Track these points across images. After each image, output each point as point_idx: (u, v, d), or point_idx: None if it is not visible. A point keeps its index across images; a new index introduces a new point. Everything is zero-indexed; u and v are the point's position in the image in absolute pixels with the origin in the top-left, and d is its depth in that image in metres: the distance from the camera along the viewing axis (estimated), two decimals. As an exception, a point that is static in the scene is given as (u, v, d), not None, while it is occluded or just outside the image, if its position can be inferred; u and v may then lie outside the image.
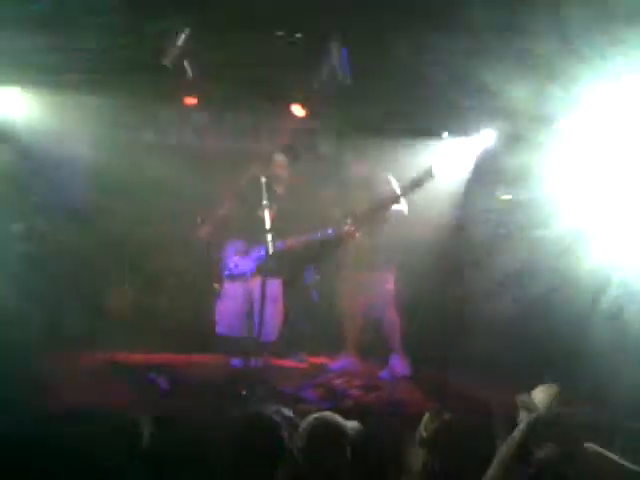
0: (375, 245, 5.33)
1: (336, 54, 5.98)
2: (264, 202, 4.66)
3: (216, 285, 6.38)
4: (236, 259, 4.86)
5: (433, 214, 6.21)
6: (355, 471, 2.79)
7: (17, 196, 5.56)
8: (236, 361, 4.92)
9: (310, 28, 6.01)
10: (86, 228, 6.48)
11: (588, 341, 4.87)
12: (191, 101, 6.70)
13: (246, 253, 4.83)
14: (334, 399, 4.36)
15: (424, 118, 7.23)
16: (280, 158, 4.87)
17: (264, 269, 4.54)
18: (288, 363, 5.71)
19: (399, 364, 5.26)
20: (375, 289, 5.35)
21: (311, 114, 7.01)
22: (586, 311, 5.01)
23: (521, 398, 3.19)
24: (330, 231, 4.82)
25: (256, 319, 4.57)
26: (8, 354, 4.89)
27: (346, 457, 2.70)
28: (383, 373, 5.23)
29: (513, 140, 6.54)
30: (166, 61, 5.77)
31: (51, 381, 4.53)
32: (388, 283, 5.39)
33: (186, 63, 5.82)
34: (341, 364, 5.47)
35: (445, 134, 7.74)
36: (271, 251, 4.36)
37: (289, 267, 5.00)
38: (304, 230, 4.83)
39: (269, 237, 4.43)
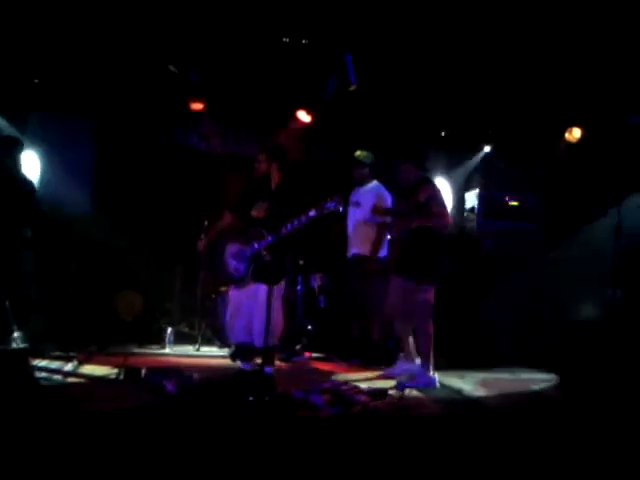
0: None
1: (342, 61, 6.02)
2: (256, 201, 4.81)
3: (223, 288, 6.41)
4: (234, 263, 4.83)
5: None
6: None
7: (30, 201, 5.55)
8: (245, 365, 4.88)
9: (317, 35, 6.07)
10: (98, 230, 6.52)
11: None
12: (197, 106, 6.74)
13: (243, 256, 4.80)
14: (342, 404, 4.33)
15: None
16: (262, 156, 4.88)
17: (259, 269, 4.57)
18: (295, 368, 5.69)
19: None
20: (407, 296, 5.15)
21: (316, 120, 7.08)
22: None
23: None
24: (331, 206, 4.43)
25: (259, 324, 4.53)
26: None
27: None
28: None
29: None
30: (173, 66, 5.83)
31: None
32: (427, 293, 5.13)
33: (193, 69, 5.85)
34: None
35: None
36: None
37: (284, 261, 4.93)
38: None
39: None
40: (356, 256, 6.06)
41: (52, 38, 5.84)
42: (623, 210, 5.80)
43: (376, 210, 5.82)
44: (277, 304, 4.75)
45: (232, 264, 4.80)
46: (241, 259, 4.75)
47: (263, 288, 4.38)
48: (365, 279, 5.98)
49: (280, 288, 4.84)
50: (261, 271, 4.46)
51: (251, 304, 4.71)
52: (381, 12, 5.60)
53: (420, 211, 5.00)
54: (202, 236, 5.46)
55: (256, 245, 4.64)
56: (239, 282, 4.76)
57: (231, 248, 4.85)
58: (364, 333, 6.13)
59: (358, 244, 6.06)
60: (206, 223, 6.30)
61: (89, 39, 5.91)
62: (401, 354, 5.47)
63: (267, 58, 6.32)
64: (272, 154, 4.90)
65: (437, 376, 5.15)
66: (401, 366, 5.34)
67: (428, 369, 5.13)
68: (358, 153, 6.15)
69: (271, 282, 4.60)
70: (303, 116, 6.99)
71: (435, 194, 5.09)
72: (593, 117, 6.94)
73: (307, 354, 6.20)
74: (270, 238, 4.56)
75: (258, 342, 4.57)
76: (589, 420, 4.32)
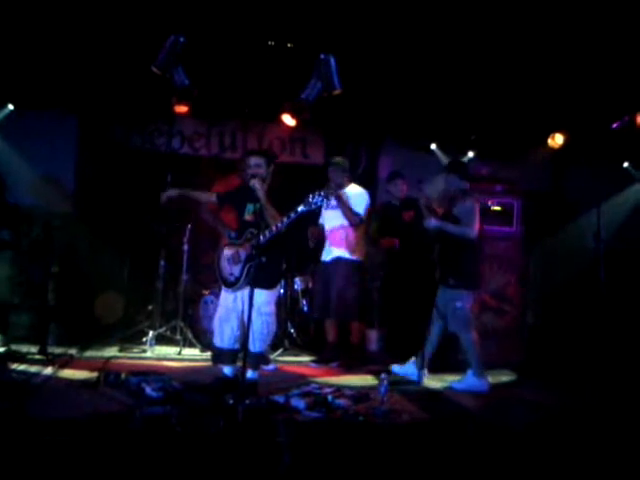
0: None
1: (326, 65, 6.02)
2: (248, 205, 4.75)
3: (205, 292, 6.39)
4: (229, 267, 4.78)
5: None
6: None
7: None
8: (227, 369, 4.86)
9: (302, 38, 6.07)
10: (80, 231, 6.48)
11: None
12: (181, 109, 6.70)
13: (238, 259, 4.75)
14: (323, 408, 4.32)
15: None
16: (254, 159, 4.82)
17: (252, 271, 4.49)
18: (277, 372, 5.66)
19: None
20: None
21: (301, 123, 7.08)
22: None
23: None
24: (318, 200, 4.38)
25: (255, 330, 4.48)
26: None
27: None
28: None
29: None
30: (156, 68, 5.80)
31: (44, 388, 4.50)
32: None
33: (178, 71, 5.82)
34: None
35: (433, 145, 7.89)
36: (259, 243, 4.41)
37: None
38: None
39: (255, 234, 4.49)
40: (338, 259, 6.08)
41: (32, 33, 5.78)
42: (603, 212, 5.85)
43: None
44: (272, 309, 4.74)
45: (227, 268, 4.76)
46: (236, 262, 4.72)
47: (258, 293, 4.32)
48: (347, 282, 6.00)
49: (275, 292, 4.84)
50: (257, 275, 4.33)
51: (243, 309, 4.66)
52: (367, 18, 5.61)
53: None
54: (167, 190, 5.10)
55: (248, 247, 4.62)
56: (234, 285, 4.72)
57: (226, 252, 4.81)
58: (344, 336, 6.14)
59: (338, 247, 6.09)
60: (189, 226, 6.33)
61: (71, 37, 5.86)
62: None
63: (252, 61, 6.31)
64: (270, 159, 4.87)
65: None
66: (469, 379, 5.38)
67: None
68: (338, 159, 6.22)
69: (268, 286, 4.63)
70: (288, 120, 6.98)
71: (468, 208, 5.30)
72: (576, 122, 7.01)
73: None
74: (262, 238, 4.52)
75: (253, 347, 4.52)
76: (572, 424, 4.34)
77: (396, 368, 5.52)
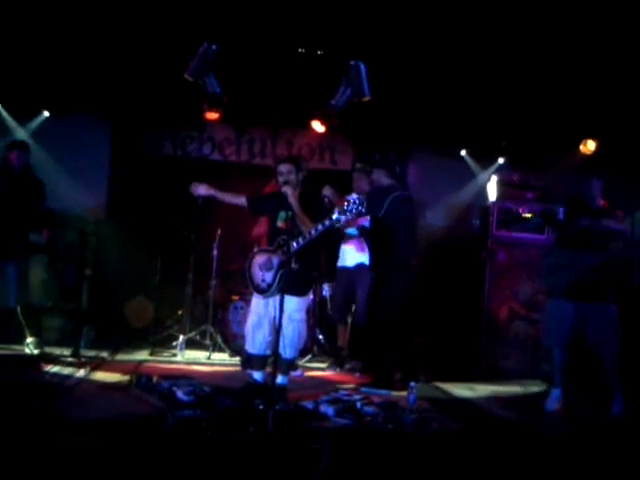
0: None
1: (357, 72, 6.04)
2: (281, 212, 4.76)
3: (235, 297, 6.43)
4: (261, 274, 4.79)
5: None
6: None
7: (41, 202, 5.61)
8: (257, 374, 4.88)
9: (331, 45, 6.10)
10: (112, 236, 6.57)
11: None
12: (212, 116, 6.77)
13: (270, 267, 4.76)
14: (352, 415, 4.32)
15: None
16: (285, 166, 4.81)
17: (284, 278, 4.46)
18: (306, 378, 5.66)
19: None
20: None
21: (330, 130, 7.10)
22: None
23: None
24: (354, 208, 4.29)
25: (287, 336, 4.48)
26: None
27: None
28: None
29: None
30: (189, 76, 5.88)
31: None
32: None
33: (210, 78, 5.89)
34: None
35: (463, 152, 7.86)
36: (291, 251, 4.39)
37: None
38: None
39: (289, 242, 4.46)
40: (360, 265, 6.10)
41: (67, 41, 5.90)
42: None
43: None
44: (303, 315, 4.75)
45: (258, 274, 4.75)
46: (268, 269, 4.72)
47: (289, 299, 4.32)
48: (368, 288, 5.99)
49: (306, 299, 4.84)
50: (289, 281, 4.32)
51: (274, 315, 4.66)
52: (395, 26, 5.63)
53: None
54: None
55: (281, 254, 4.62)
56: (266, 292, 4.72)
57: (258, 259, 4.81)
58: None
59: (362, 253, 6.10)
60: (219, 232, 6.37)
61: (106, 45, 5.98)
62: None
63: (282, 68, 6.36)
64: (299, 165, 4.87)
65: None
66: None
67: None
68: (359, 166, 6.22)
69: (299, 293, 4.64)
70: (317, 126, 7.00)
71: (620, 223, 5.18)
72: (608, 129, 6.92)
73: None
74: (295, 244, 4.51)
75: (285, 353, 4.51)
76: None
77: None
